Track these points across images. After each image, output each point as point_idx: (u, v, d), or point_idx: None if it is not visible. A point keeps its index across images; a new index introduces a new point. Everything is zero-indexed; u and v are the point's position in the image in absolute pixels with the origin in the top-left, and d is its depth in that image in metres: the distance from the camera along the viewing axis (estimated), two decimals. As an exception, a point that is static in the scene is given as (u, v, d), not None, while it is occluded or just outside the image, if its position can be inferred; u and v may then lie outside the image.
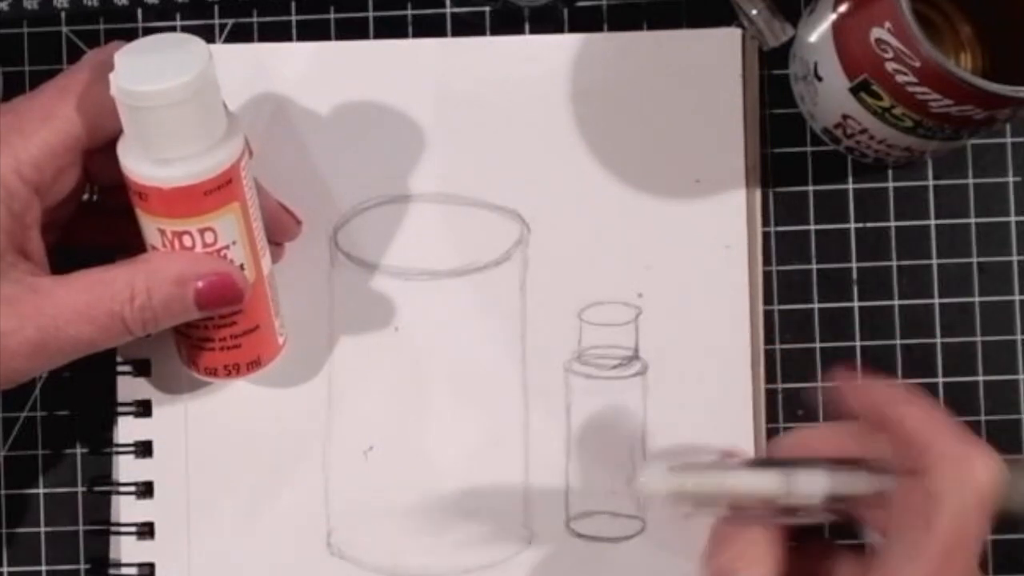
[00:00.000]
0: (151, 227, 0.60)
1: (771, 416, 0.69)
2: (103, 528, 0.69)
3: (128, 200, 0.60)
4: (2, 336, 0.58)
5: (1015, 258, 0.70)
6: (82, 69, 0.60)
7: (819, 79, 0.66)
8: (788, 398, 0.70)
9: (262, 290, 0.63)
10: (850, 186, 0.70)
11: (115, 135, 0.59)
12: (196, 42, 0.58)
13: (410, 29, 0.71)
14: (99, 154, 0.60)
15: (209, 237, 0.60)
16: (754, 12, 0.69)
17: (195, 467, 0.69)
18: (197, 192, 0.58)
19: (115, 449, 0.69)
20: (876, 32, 0.59)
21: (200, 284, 0.60)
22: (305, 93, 0.70)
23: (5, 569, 0.70)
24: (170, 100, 0.56)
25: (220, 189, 0.59)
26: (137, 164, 0.58)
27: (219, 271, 0.60)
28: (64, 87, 0.59)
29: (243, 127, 0.60)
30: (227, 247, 0.60)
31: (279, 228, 0.66)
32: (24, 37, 0.71)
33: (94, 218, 0.65)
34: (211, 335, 0.63)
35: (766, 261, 0.70)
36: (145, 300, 0.59)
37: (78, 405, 0.70)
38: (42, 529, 0.70)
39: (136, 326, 0.60)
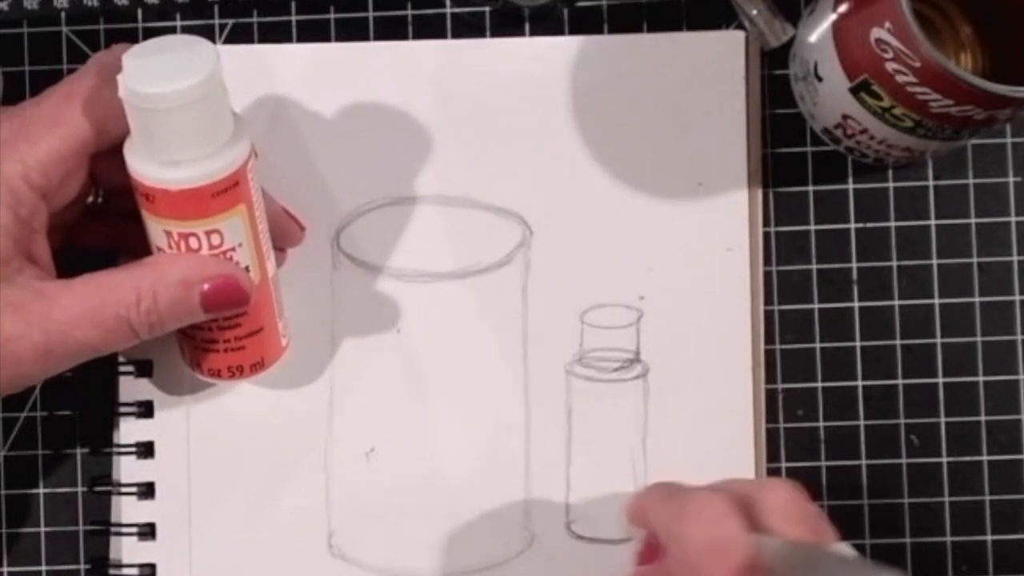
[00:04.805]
0: (157, 229, 0.60)
1: (771, 416, 0.70)
2: (103, 528, 0.69)
3: (132, 203, 0.60)
4: (9, 341, 0.58)
5: (1015, 258, 0.70)
6: (88, 73, 0.60)
7: (819, 79, 0.66)
8: (788, 398, 0.70)
9: (267, 292, 0.63)
10: (850, 186, 0.70)
11: (121, 139, 0.59)
12: (204, 44, 0.58)
13: (410, 29, 0.71)
14: (104, 157, 0.60)
15: (215, 239, 0.60)
16: (754, 12, 0.69)
17: (197, 468, 0.69)
18: (205, 194, 0.58)
19: (116, 450, 0.69)
20: (876, 32, 0.59)
21: (206, 287, 0.60)
22: (306, 95, 0.70)
23: (5, 569, 0.70)
24: (179, 102, 0.56)
25: (227, 191, 0.59)
26: (144, 166, 0.58)
27: (225, 273, 0.60)
28: (70, 92, 0.59)
29: (250, 129, 0.60)
30: (233, 249, 0.60)
31: (283, 234, 0.66)
32: (24, 37, 0.71)
33: (98, 221, 0.65)
34: (215, 337, 0.63)
35: (766, 261, 0.70)
36: (151, 304, 0.59)
37: (79, 405, 0.70)
38: (42, 529, 0.70)
39: (142, 330, 0.60)
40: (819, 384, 0.70)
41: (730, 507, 0.55)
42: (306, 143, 0.69)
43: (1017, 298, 0.70)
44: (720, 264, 0.69)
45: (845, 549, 0.58)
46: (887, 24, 0.59)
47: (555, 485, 0.69)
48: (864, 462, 0.69)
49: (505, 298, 0.69)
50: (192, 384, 0.69)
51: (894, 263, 0.70)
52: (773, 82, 0.70)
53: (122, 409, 0.69)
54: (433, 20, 0.71)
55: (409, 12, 0.71)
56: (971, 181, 0.70)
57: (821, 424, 0.70)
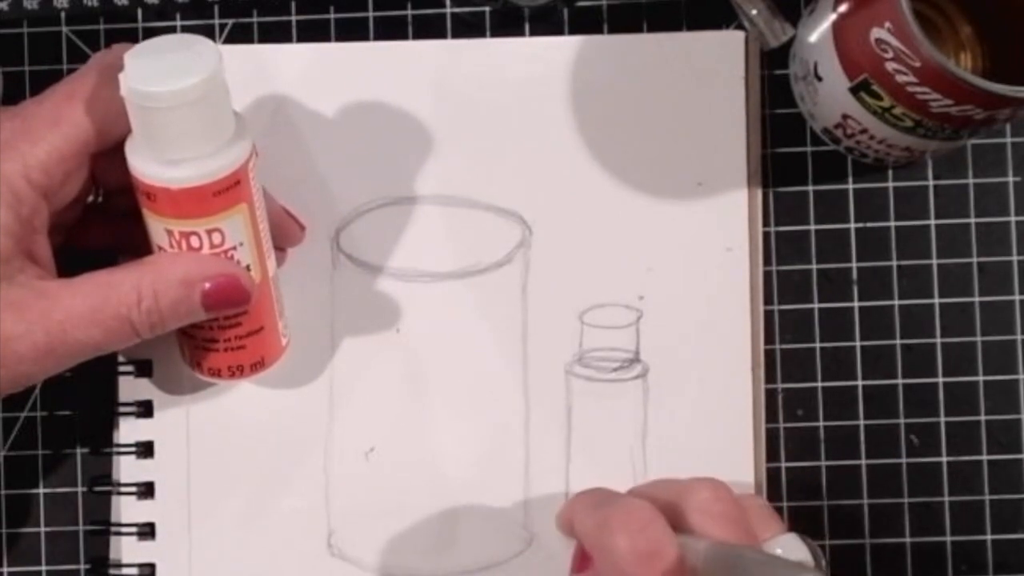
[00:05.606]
0: (158, 228, 0.60)
1: (771, 416, 0.69)
2: (103, 528, 0.69)
3: (133, 202, 0.60)
4: (10, 340, 0.58)
5: (1015, 258, 0.70)
6: (89, 72, 0.60)
7: (819, 79, 0.66)
8: (788, 398, 0.70)
9: (267, 291, 0.63)
10: (850, 186, 0.70)
11: (122, 138, 0.59)
12: (205, 43, 0.58)
13: (410, 29, 0.71)
14: (105, 157, 0.60)
15: (216, 238, 0.60)
16: (754, 12, 0.69)
17: (196, 468, 0.69)
18: (206, 193, 0.58)
19: (116, 450, 0.69)
20: (876, 32, 0.59)
21: (207, 286, 0.60)
22: (306, 94, 0.70)
23: (5, 569, 0.70)
24: (181, 100, 0.56)
25: (229, 190, 0.59)
26: (146, 165, 0.58)
27: (226, 272, 0.60)
28: (72, 91, 0.59)
29: (251, 128, 0.60)
30: (234, 248, 0.60)
31: (283, 234, 0.66)
32: (24, 37, 0.71)
33: (98, 220, 0.65)
34: (216, 336, 0.63)
35: (766, 261, 0.70)
36: (152, 303, 0.59)
37: (79, 405, 0.70)
38: (42, 529, 0.70)
39: (143, 329, 0.60)
40: (819, 384, 0.70)
41: (654, 512, 0.55)
42: (306, 143, 0.69)
43: (1017, 298, 0.70)
44: (720, 264, 0.69)
45: (791, 541, 0.58)
46: (887, 24, 0.59)
47: (555, 485, 0.69)
48: (864, 462, 0.69)
49: (505, 298, 0.69)
50: (192, 384, 0.69)
51: (894, 263, 0.70)
52: (773, 82, 0.70)
53: (122, 409, 0.69)
54: (433, 20, 0.71)
55: (409, 12, 0.71)
56: (971, 181, 0.70)
57: (821, 424, 0.70)
